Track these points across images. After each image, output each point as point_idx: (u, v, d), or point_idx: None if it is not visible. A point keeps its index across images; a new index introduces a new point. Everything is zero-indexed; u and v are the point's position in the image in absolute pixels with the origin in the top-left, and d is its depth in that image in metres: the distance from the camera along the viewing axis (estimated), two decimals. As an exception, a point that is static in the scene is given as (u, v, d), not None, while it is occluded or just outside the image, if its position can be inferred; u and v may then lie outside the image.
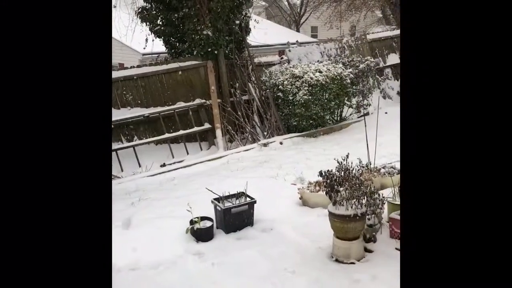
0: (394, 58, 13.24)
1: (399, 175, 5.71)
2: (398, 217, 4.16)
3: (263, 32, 12.64)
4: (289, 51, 11.54)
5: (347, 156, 4.40)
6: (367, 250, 4.22)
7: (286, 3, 31.04)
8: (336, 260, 4.13)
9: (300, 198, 5.59)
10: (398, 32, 14.07)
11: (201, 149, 9.02)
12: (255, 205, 4.96)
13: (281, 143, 8.77)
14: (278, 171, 6.94)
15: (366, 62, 10.29)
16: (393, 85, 12.86)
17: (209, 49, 9.18)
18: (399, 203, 4.28)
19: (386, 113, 10.67)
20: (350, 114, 10.50)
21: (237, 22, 9.84)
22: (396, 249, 4.07)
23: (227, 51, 9.56)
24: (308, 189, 5.60)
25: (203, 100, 9.27)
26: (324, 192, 4.31)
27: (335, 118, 10.25)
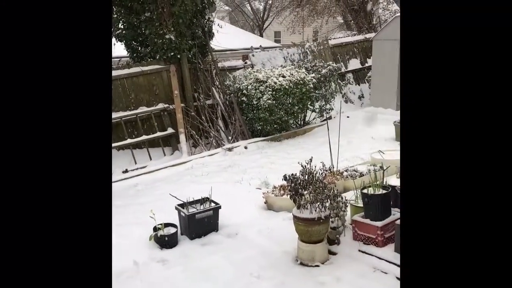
0: (355, 63, 13.54)
1: (361, 177, 5.82)
2: (361, 219, 4.24)
3: (226, 36, 12.64)
4: (253, 55, 11.58)
5: (311, 159, 4.45)
6: (331, 253, 4.27)
7: (249, 8, 31.17)
8: (301, 264, 4.16)
9: (265, 203, 5.61)
10: (359, 37, 14.39)
11: (165, 155, 8.90)
12: (220, 210, 4.93)
13: (245, 147, 8.77)
14: (243, 176, 6.94)
15: (329, 67, 10.46)
16: (355, 90, 13.13)
17: (172, 53, 9.09)
18: (361, 205, 4.36)
19: (348, 117, 10.88)
20: (314, 118, 10.64)
21: (200, 26, 9.80)
22: (359, 251, 4.15)
23: (190, 56, 9.50)
24: (272, 193, 5.62)
25: (166, 105, 9.16)
26: (289, 196, 4.34)
27: (299, 122, 10.35)
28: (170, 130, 9.09)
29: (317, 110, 10.43)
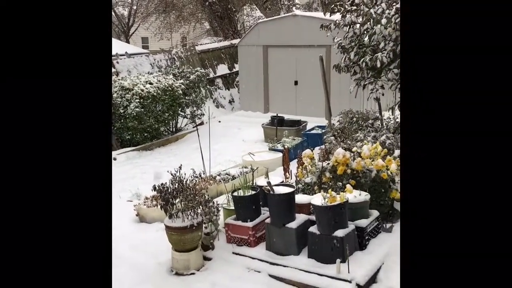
0: (223, 69, 13.80)
1: (233, 180, 5.94)
2: (233, 222, 4.31)
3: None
4: (117, 63, 11.14)
5: (180, 167, 4.40)
6: (206, 259, 4.27)
7: (113, 13, 29.91)
8: (176, 273, 4.09)
9: (137, 215, 5.41)
10: (225, 43, 14.71)
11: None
12: (87, 228, 4.62)
13: (114, 158, 8.38)
14: (112, 189, 6.61)
15: (197, 73, 10.50)
16: (225, 94, 13.39)
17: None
18: (233, 208, 4.44)
19: (219, 121, 11.05)
20: (186, 125, 10.59)
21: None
22: (233, 253, 4.21)
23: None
24: (144, 205, 5.45)
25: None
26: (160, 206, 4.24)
27: (171, 129, 10.22)
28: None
29: (188, 116, 10.40)
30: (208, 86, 11.72)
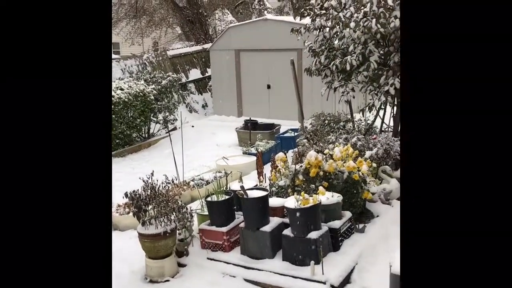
0: (195, 73, 13.74)
1: (207, 185, 5.91)
2: (207, 227, 4.29)
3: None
4: (88, 69, 10.95)
5: (152, 173, 4.36)
6: (180, 265, 4.23)
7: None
8: (151, 281, 4.04)
9: (109, 223, 5.32)
10: (197, 48, 14.66)
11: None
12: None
13: (86, 166, 8.22)
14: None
15: (168, 77, 10.42)
16: (198, 99, 13.33)
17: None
18: (207, 213, 4.42)
19: (193, 126, 10.99)
20: (158, 130, 10.49)
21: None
22: (208, 258, 4.19)
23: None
24: (117, 212, 5.37)
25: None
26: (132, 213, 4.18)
27: (143, 135, 10.10)
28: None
29: (161, 122, 10.30)
30: (180, 91, 11.64)
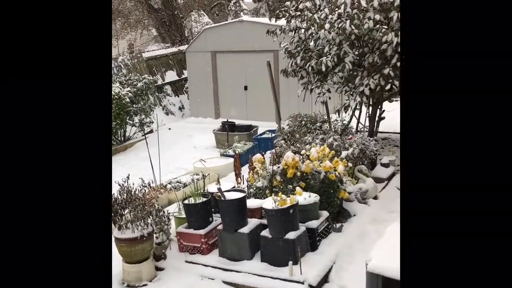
0: (172, 75, 13.63)
1: (184, 188, 5.87)
2: (185, 230, 4.26)
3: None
4: (61, 71, 10.76)
5: (128, 177, 4.31)
6: (158, 269, 4.19)
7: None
8: (128, 286, 3.99)
9: (85, 228, 5.23)
10: (173, 50, 14.55)
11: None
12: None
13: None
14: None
15: (144, 80, 10.32)
16: (174, 101, 13.23)
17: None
18: (185, 216, 4.38)
19: (169, 129, 10.90)
20: (134, 133, 10.36)
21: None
22: (186, 261, 4.16)
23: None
24: (93, 217, 5.27)
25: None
26: (108, 218, 4.12)
27: (119, 138, 9.97)
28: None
29: (137, 125, 10.18)
30: (156, 93, 11.53)
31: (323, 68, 5.84)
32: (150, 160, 6.27)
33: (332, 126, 6.96)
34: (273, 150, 6.03)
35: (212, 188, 4.73)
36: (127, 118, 9.79)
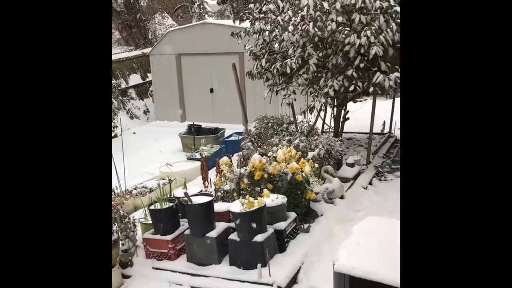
0: (136, 79, 13.42)
1: (150, 193, 5.78)
2: (151, 236, 4.18)
3: None
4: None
5: (91, 184, 4.19)
6: (125, 276, 4.10)
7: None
8: (93, 296, 3.88)
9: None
10: (136, 52, 14.33)
11: None
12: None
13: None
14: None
15: (107, 83, 10.11)
16: (139, 105, 13.02)
17: None
18: (151, 222, 4.31)
19: (134, 133, 10.73)
20: (98, 138, 10.14)
21: None
22: (153, 268, 4.08)
23: None
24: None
25: None
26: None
27: (82, 144, 9.73)
28: None
29: (101, 129, 9.96)
30: (120, 97, 11.31)
31: (288, 70, 5.87)
32: (115, 165, 6.13)
33: (298, 127, 7.02)
34: (240, 153, 6.02)
35: (178, 192, 4.67)
36: (90, 123, 9.56)
